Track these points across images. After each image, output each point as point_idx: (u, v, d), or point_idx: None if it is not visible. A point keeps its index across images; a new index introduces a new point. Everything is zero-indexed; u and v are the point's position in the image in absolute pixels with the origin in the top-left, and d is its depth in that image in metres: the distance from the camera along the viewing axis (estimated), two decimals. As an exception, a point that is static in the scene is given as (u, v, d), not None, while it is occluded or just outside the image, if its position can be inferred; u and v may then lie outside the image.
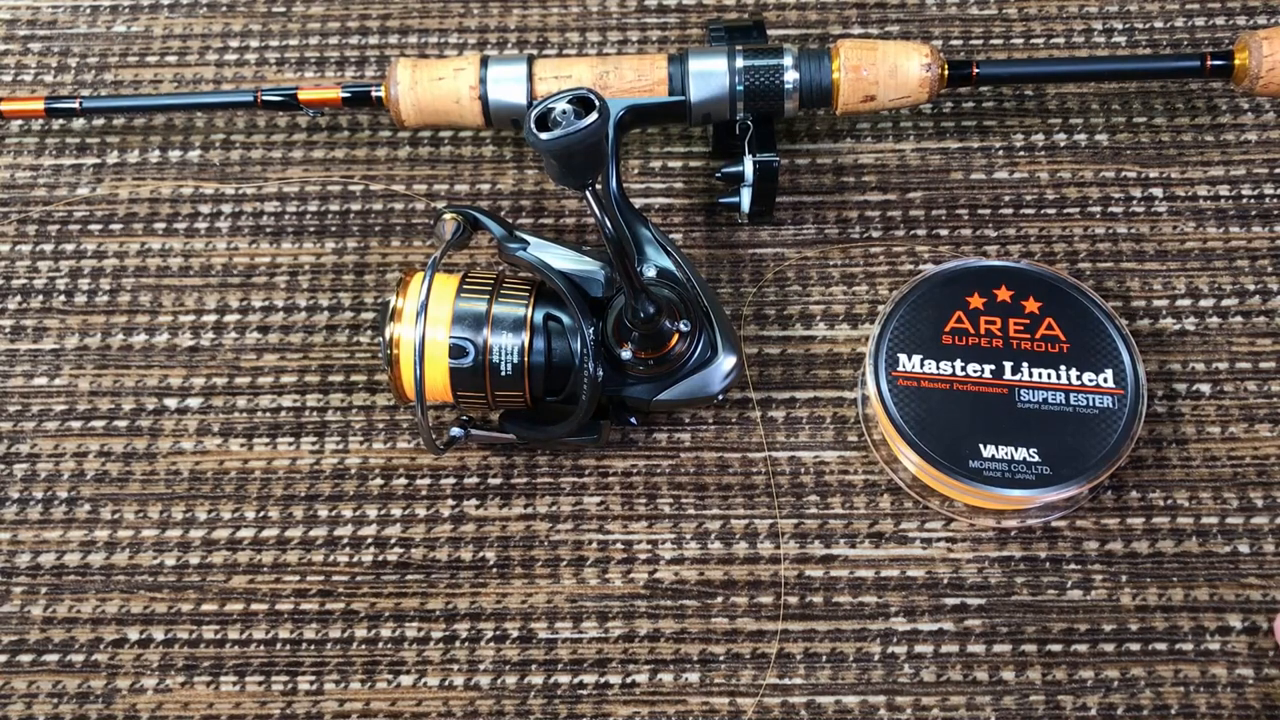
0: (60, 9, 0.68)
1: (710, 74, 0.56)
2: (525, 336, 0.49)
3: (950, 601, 0.51)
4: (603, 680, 0.50)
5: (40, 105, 0.60)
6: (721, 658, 0.50)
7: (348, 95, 0.58)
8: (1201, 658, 0.50)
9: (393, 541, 0.53)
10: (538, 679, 0.50)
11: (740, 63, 0.55)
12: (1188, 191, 0.60)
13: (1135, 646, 0.50)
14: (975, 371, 0.52)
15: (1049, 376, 0.52)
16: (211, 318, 0.59)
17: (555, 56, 0.63)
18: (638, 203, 0.60)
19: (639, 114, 0.56)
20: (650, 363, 0.50)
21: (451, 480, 0.54)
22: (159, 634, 0.51)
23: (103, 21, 0.68)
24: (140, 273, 0.60)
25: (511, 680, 0.50)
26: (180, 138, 0.64)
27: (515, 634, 0.51)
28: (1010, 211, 0.60)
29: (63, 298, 0.59)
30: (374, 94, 0.58)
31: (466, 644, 0.51)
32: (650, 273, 0.52)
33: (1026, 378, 0.52)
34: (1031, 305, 0.54)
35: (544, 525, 0.53)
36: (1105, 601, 0.51)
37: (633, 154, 0.62)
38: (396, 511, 0.54)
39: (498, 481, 0.54)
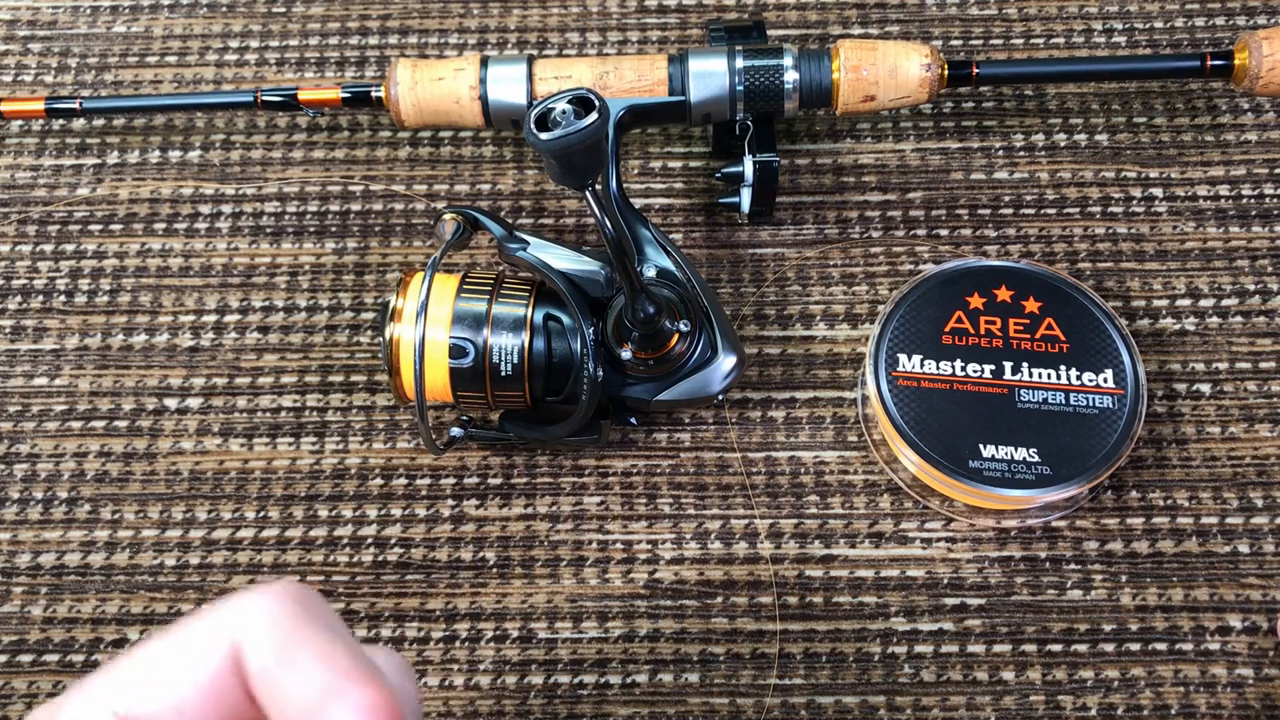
0: (60, 9, 0.68)
1: (710, 74, 0.56)
2: (525, 336, 0.49)
3: (950, 601, 0.51)
4: (603, 680, 0.50)
5: (40, 105, 0.60)
6: (721, 658, 0.50)
7: (348, 95, 0.58)
8: (1201, 658, 0.50)
9: (393, 541, 0.53)
10: (538, 679, 0.50)
11: (740, 63, 0.55)
12: (1188, 191, 0.60)
13: (1135, 646, 0.50)
14: (975, 371, 0.52)
15: (1049, 376, 0.52)
16: (211, 318, 0.59)
17: (555, 57, 0.63)
18: (638, 203, 0.60)
19: (639, 114, 0.56)
20: (650, 363, 0.50)
21: (451, 480, 0.54)
22: (159, 634, 0.51)
23: (103, 21, 0.68)
24: (140, 273, 0.60)
25: (511, 680, 0.50)
26: (180, 138, 0.64)
27: (515, 634, 0.51)
28: (1010, 211, 0.60)
29: (63, 298, 0.59)
30: (374, 94, 0.58)
31: (466, 644, 0.51)
32: (650, 273, 0.52)
33: (1026, 378, 0.52)
34: (1031, 305, 0.54)
35: (544, 525, 0.53)
36: (1105, 601, 0.51)
37: (633, 154, 0.62)
38: (396, 511, 0.54)
39: (498, 481, 0.54)
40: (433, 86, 0.56)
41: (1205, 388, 0.55)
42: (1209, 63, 0.57)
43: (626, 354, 0.49)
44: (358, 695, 0.22)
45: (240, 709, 0.23)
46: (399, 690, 0.23)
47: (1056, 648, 0.50)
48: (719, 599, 0.51)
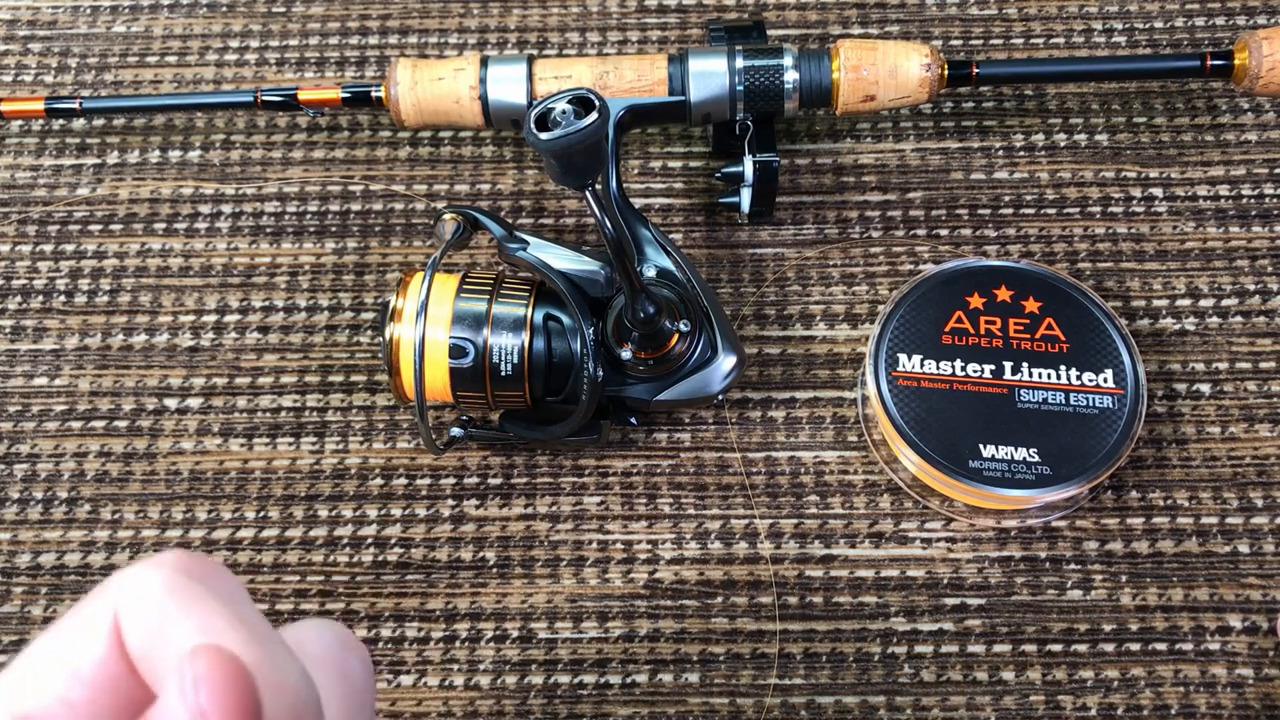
0: (60, 9, 0.68)
1: (710, 74, 0.56)
2: (525, 336, 0.49)
3: (950, 601, 0.51)
4: (603, 680, 0.50)
5: (40, 105, 0.60)
6: (721, 658, 0.50)
7: (348, 95, 0.58)
8: (1201, 658, 0.50)
9: (393, 541, 0.53)
10: (538, 679, 0.50)
11: (740, 63, 0.55)
12: (1188, 191, 0.60)
13: (1135, 646, 0.50)
14: (975, 371, 0.52)
15: (1049, 376, 0.52)
16: (211, 318, 0.59)
17: (555, 56, 0.63)
18: (638, 203, 0.60)
19: (639, 114, 0.56)
20: (650, 363, 0.50)
21: (451, 480, 0.54)
22: (159, 634, 0.51)
23: (103, 21, 0.68)
24: (140, 273, 0.60)
25: (511, 680, 0.50)
26: (180, 138, 0.64)
27: (515, 634, 0.51)
28: (1010, 211, 0.60)
29: (63, 298, 0.59)
30: (374, 94, 0.58)
31: (466, 644, 0.51)
32: (650, 273, 0.52)
33: (1026, 378, 0.52)
34: (1031, 305, 0.54)
35: (544, 525, 0.53)
36: (1105, 601, 0.51)
37: (633, 154, 0.62)
38: (396, 511, 0.54)
39: (498, 481, 0.54)
40: (433, 86, 0.56)
41: (1205, 388, 0.55)
42: (1209, 63, 0.57)
43: (626, 354, 0.49)
44: (201, 662, 0.19)
45: (135, 688, 0.21)
46: (289, 667, 0.21)
47: (1056, 648, 0.50)
48: (719, 599, 0.51)
